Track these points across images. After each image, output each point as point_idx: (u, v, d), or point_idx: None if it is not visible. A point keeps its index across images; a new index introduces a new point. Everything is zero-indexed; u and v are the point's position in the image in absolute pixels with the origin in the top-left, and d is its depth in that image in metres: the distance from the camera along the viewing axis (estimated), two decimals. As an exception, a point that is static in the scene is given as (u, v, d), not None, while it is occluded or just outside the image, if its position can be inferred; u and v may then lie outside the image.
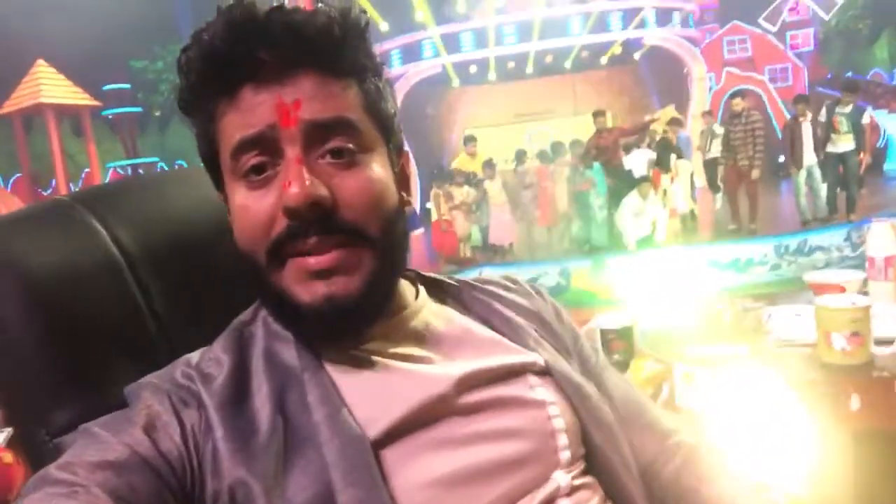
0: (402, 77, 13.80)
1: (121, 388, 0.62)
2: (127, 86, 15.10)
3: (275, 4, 0.59)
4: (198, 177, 0.88)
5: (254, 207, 0.59)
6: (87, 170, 13.37)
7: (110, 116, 14.87)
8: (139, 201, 0.82)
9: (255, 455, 0.55)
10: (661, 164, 7.84)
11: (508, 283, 0.81)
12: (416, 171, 9.70)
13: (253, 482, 0.54)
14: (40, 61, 12.44)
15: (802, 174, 7.57)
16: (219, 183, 0.65)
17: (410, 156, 0.72)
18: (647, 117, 8.95)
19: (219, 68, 0.58)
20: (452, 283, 0.77)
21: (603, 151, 7.83)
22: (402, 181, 0.68)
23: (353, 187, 0.59)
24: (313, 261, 0.58)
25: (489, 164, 8.55)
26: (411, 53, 14.35)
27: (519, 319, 0.74)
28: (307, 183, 0.56)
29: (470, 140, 9.19)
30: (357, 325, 0.62)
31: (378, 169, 0.62)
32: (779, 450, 1.06)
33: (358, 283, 0.59)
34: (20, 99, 12.43)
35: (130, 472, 0.52)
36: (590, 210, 8.13)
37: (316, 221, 0.57)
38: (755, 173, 7.55)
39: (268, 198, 0.58)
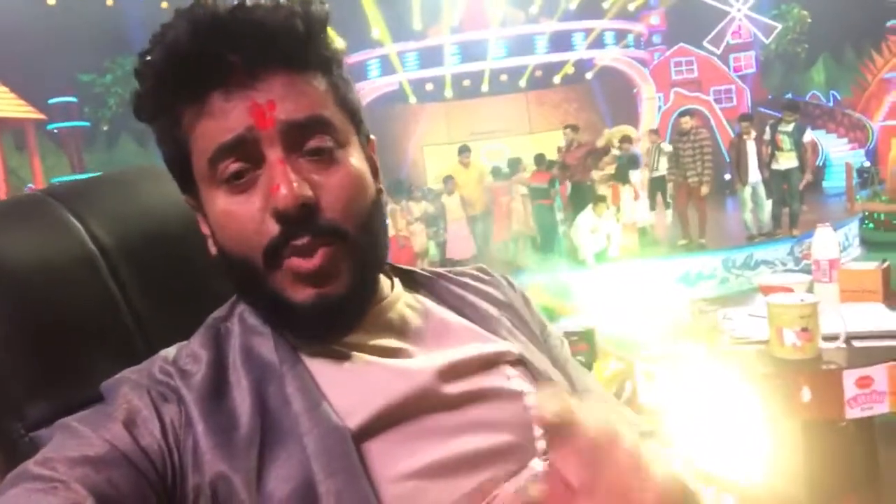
0: (359, 94, 13.73)
1: (97, 381, 0.61)
2: (73, 99, 14.67)
3: (235, 1, 0.58)
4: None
5: (239, 212, 0.59)
6: (30, 185, 12.90)
7: (56, 130, 14.41)
8: (114, 196, 0.81)
9: (235, 449, 0.55)
10: (621, 178, 7.99)
11: (481, 275, 0.81)
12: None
13: (234, 476, 0.54)
14: (-17, 73, 12.01)
15: (747, 191, 7.80)
16: (186, 186, 0.64)
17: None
18: (606, 133, 9.10)
19: (186, 74, 0.57)
20: (426, 274, 0.78)
21: (571, 167, 7.97)
22: (374, 168, 0.68)
23: (334, 185, 0.59)
24: (304, 264, 0.58)
25: (448, 180, 8.57)
26: (367, 70, 14.37)
27: (492, 310, 0.75)
28: (295, 185, 0.56)
29: (464, 150, 8.94)
30: (349, 320, 0.63)
31: (355, 162, 0.62)
32: (734, 440, 1.11)
33: (346, 280, 0.60)
34: (-40, 112, 11.96)
35: (110, 468, 0.51)
36: (554, 225, 8.23)
37: (305, 221, 0.57)
38: (704, 189, 7.75)
39: (252, 201, 0.58)
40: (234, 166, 0.58)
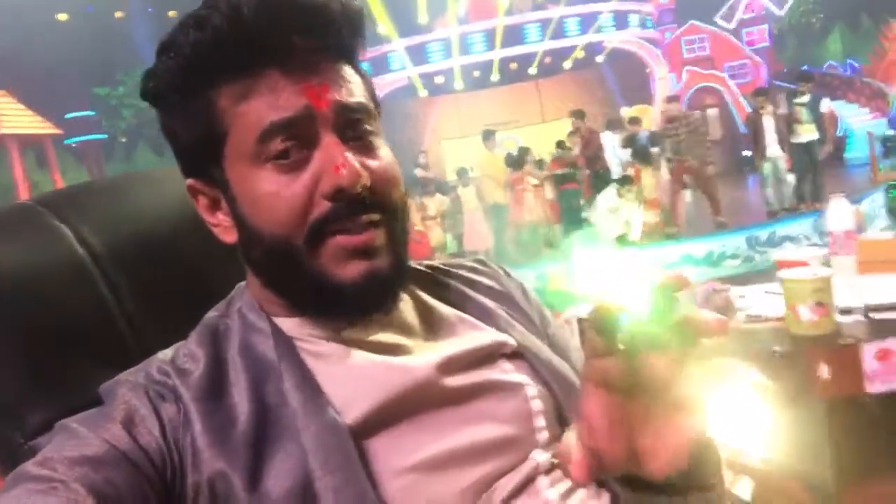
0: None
1: (94, 387, 0.62)
2: (91, 112, 14.89)
3: None
4: (161, 177, 0.89)
5: (287, 192, 0.58)
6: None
7: (74, 144, 14.64)
8: (104, 202, 0.81)
9: (234, 447, 0.55)
10: (642, 158, 7.86)
11: (478, 266, 0.81)
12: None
13: (232, 474, 0.54)
14: (1, 92, 12.22)
15: (767, 166, 7.69)
16: (201, 169, 0.63)
17: None
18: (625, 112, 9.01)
19: (246, 48, 0.57)
20: (422, 269, 0.77)
21: (588, 160, 7.92)
22: None
23: (379, 168, 0.61)
24: (352, 240, 0.59)
25: (462, 172, 8.54)
26: (376, 66, 14.39)
27: (489, 302, 0.74)
28: (354, 164, 0.58)
29: (489, 136, 8.51)
30: (395, 297, 0.64)
31: (387, 151, 0.64)
32: (750, 421, 1.08)
33: (392, 257, 0.62)
34: (-20, 132, 12.18)
35: (109, 468, 0.51)
36: (580, 209, 8.17)
37: (360, 201, 0.59)
38: (710, 169, 7.63)
39: (301, 181, 0.58)
40: (283, 144, 0.58)
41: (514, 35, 14.53)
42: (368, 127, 0.62)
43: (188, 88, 0.59)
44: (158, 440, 0.55)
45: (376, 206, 0.60)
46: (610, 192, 7.11)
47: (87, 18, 14.40)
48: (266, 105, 0.58)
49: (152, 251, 0.77)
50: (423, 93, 15.27)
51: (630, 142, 8.28)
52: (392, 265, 0.62)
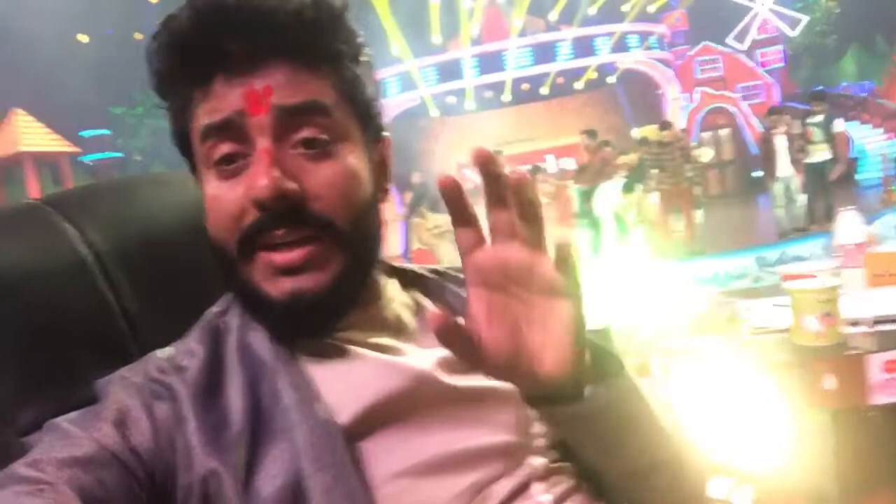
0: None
1: (91, 386, 0.61)
2: (107, 131, 15.10)
3: None
4: (168, 179, 0.89)
5: (224, 198, 0.58)
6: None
7: (91, 163, 14.83)
8: (109, 202, 0.82)
9: (227, 446, 0.55)
10: (638, 179, 7.94)
11: None
12: (398, 201, 9.70)
13: (224, 473, 0.54)
14: (18, 111, 12.43)
15: (779, 186, 7.65)
16: (193, 168, 0.65)
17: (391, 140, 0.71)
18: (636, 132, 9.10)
19: (188, 60, 0.58)
20: (423, 273, 0.77)
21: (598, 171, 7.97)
22: (381, 168, 0.67)
23: (323, 179, 0.58)
24: (280, 257, 0.58)
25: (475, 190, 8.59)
26: (389, 87, 14.51)
27: None
28: (275, 175, 0.55)
29: (498, 155, 9.00)
30: (325, 320, 0.62)
31: (352, 159, 0.60)
32: (754, 431, 1.07)
33: (327, 278, 0.59)
34: (-2, 149, 12.38)
35: (99, 469, 0.51)
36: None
37: (284, 214, 0.56)
38: (697, 190, 7.69)
39: (238, 188, 0.58)
40: (224, 148, 0.58)
41: (527, 56, 14.63)
42: (322, 133, 0.59)
43: (167, 92, 0.62)
44: (150, 441, 0.55)
45: (308, 220, 0.58)
46: (614, 186, 7.14)
47: (107, 40, 14.65)
48: (208, 108, 0.58)
49: (156, 252, 0.78)
50: (434, 112, 15.36)
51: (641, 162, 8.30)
52: (329, 286, 0.59)
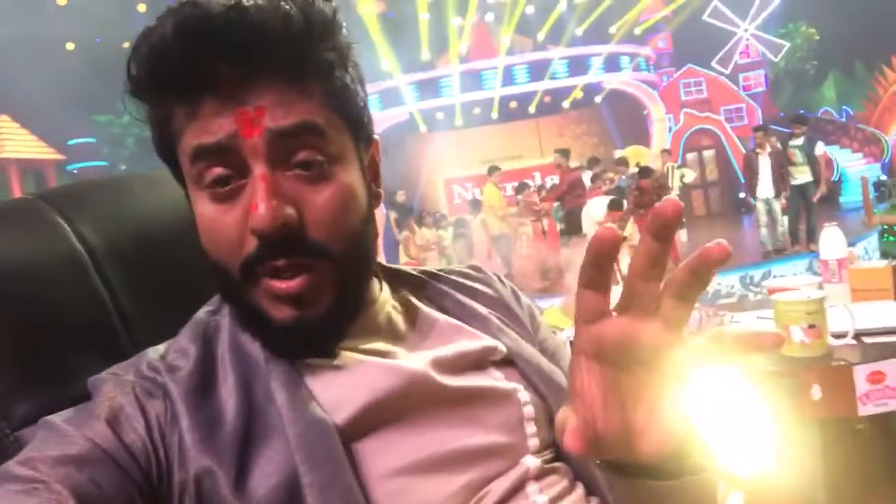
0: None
1: (83, 380, 0.61)
2: (92, 139, 14.98)
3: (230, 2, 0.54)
4: (163, 177, 0.89)
5: (221, 222, 0.57)
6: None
7: (76, 171, 14.69)
8: (104, 199, 0.82)
9: (221, 445, 0.55)
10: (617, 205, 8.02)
11: (471, 272, 0.81)
12: (386, 214, 9.69)
13: (219, 471, 0.54)
14: (3, 117, 12.33)
15: (761, 206, 7.75)
16: (177, 174, 0.63)
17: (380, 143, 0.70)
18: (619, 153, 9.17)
19: (175, 80, 0.55)
20: (416, 274, 0.78)
21: (562, 197, 8.01)
22: (372, 172, 0.67)
23: (321, 204, 0.57)
24: (283, 286, 0.57)
25: (474, 203, 8.66)
26: (379, 101, 14.55)
27: (481, 308, 0.74)
28: (274, 204, 0.54)
29: (494, 170, 8.74)
30: (327, 341, 0.62)
31: (347, 178, 0.60)
32: (743, 440, 1.08)
33: (327, 303, 0.59)
34: (-18, 155, 12.25)
35: (93, 467, 0.51)
36: None
37: (284, 243, 0.55)
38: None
39: (234, 213, 0.56)
40: (217, 170, 0.56)
41: (514, 74, 14.76)
42: (317, 154, 0.57)
43: (149, 104, 0.59)
44: (144, 438, 0.55)
45: (308, 248, 0.57)
46: (601, 202, 7.18)
47: (95, 49, 14.56)
48: (199, 129, 0.56)
49: (150, 249, 0.78)
50: (423, 128, 15.42)
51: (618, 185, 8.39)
52: (331, 308, 0.59)
